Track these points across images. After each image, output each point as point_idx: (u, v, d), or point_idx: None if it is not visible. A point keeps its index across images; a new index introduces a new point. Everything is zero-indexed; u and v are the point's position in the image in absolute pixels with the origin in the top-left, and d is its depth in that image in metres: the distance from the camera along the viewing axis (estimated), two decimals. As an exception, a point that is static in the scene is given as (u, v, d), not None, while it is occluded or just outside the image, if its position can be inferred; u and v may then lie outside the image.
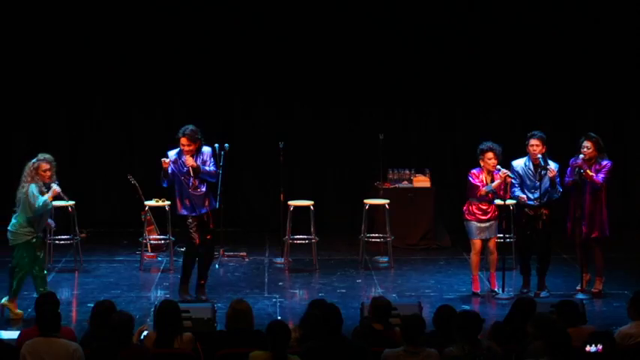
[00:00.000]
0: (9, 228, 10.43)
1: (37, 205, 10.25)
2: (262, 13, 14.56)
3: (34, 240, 10.41)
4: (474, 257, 11.37)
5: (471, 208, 11.30)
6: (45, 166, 10.38)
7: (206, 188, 11.00)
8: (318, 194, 13.34)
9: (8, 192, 10.96)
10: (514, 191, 11.22)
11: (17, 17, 14.31)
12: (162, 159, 10.82)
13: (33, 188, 10.27)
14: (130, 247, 13.64)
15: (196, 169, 10.87)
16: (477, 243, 11.33)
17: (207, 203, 11.00)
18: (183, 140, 10.87)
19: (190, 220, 10.96)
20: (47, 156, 10.46)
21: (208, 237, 11.05)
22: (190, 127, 10.90)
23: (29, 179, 10.33)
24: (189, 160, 10.86)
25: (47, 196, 10.34)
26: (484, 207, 11.26)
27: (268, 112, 14.77)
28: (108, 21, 14.40)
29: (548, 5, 14.56)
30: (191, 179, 10.88)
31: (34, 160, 10.40)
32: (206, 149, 11.02)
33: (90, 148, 14.64)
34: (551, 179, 11.09)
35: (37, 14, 14.33)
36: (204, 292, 11.07)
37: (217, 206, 11.13)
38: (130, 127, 14.74)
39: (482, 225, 11.27)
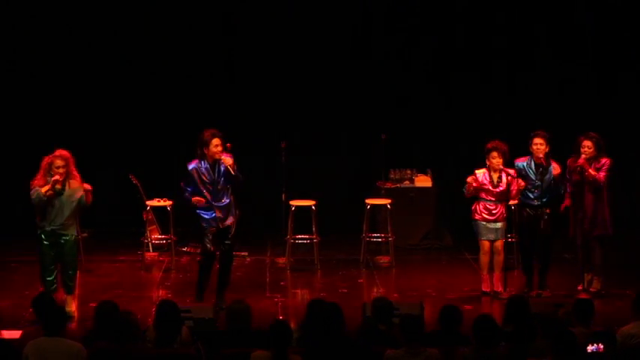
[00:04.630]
0: None
1: (32, 197, 10.32)
2: (263, 14, 14.57)
3: (42, 234, 10.42)
4: (483, 257, 11.34)
5: (478, 207, 11.28)
6: (59, 162, 10.35)
7: (228, 199, 10.76)
8: (320, 194, 13.31)
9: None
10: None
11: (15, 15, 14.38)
12: (196, 199, 10.54)
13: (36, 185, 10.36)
14: (131, 246, 13.62)
15: (233, 170, 10.54)
16: (485, 243, 11.31)
17: (232, 213, 10.75)
18: (216, 141, 10.51)
19: (208, 231, 10.72)
20: (64, 152, 10.43)
21: (233, 248, 10.91)
22: (214, 130, 10.59)
23: (40, 173, 10.37)
24: (228, 160, 10.55)
25: (42, 189, 10.29)
26: (491, 207, 11.24)
27: (270, 112, 14.75)
28: (108, 21, 14.41)
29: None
30: (213, 189, 10.61)
31: (52, 157, 10.40)
32: (230, 155, 10.69)
33: (91, 148, 14.62)
34: (555, 176, 11.10)
35: (39, 12, 14.37)
36: (224, 301, 10.64)
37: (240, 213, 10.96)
38: (131, 126, 14.72)
39: (490, 226, 11.25)
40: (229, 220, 10.75)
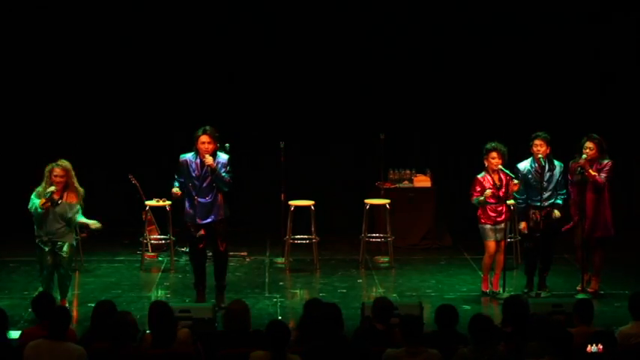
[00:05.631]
0: None
1: (29, 207, 10.45)
2: (262, 14, 14.57)
3: (39, 242, 10.46)
4: (488, 259, 11.32)
5: (485, 211, 11.21)
6: (58, 171, 10.41)
7: (213, 197, 10.72)
8: (319, 194, 13.31)
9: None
10: (520, 204, 11.23)
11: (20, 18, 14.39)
12: (174, 193, 10.78)
13: (35, 192, 10.46)
14: (130, 247, 13.64)
15: (214, 170, 10.60)
16: (492, 245, 11.26)
17: (215, 212, 10.72)
18: (204, 138, 10.55)
19: (192, 229, 10.77)
20: (65, 163, 10.48)
21: (221, 248, 10.86)
22: (208, 126, 10.63)
23: (44, 180, 10.46)
24: (208, 159, 10.58)
25: (38, 201, 10.39)
26: (499, 208, 11.21)
27: (269, 112, 14.75)
28: (108, 22, 14.42)
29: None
30: (199, 184, 10.67)
31: (52, 164, 10.46)
32: (223, 156, 10.74)
33: (91, 148, 14.62)
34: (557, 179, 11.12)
35: (38, 12, 14.38)
36: (223, 300, 10.75)
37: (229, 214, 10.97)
38: (131, 126, 14.71)
39: (498, 227, 11.24)
40: (210, 219, 10.73)
